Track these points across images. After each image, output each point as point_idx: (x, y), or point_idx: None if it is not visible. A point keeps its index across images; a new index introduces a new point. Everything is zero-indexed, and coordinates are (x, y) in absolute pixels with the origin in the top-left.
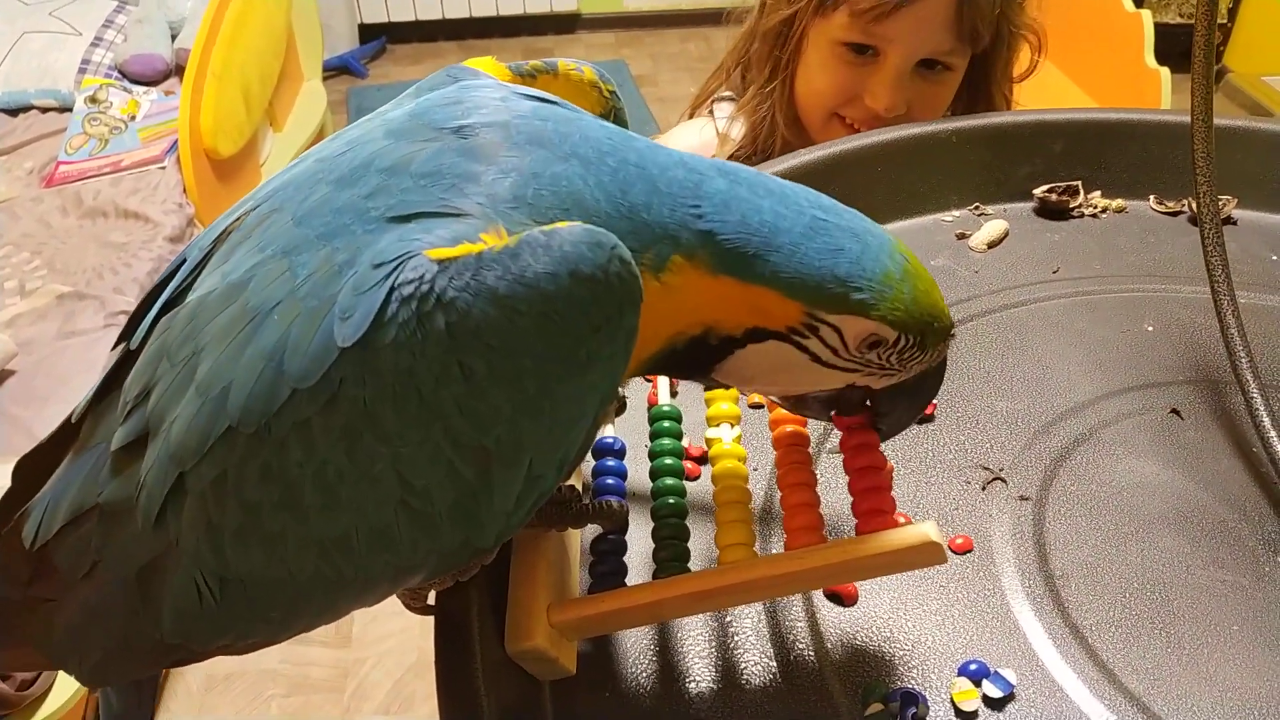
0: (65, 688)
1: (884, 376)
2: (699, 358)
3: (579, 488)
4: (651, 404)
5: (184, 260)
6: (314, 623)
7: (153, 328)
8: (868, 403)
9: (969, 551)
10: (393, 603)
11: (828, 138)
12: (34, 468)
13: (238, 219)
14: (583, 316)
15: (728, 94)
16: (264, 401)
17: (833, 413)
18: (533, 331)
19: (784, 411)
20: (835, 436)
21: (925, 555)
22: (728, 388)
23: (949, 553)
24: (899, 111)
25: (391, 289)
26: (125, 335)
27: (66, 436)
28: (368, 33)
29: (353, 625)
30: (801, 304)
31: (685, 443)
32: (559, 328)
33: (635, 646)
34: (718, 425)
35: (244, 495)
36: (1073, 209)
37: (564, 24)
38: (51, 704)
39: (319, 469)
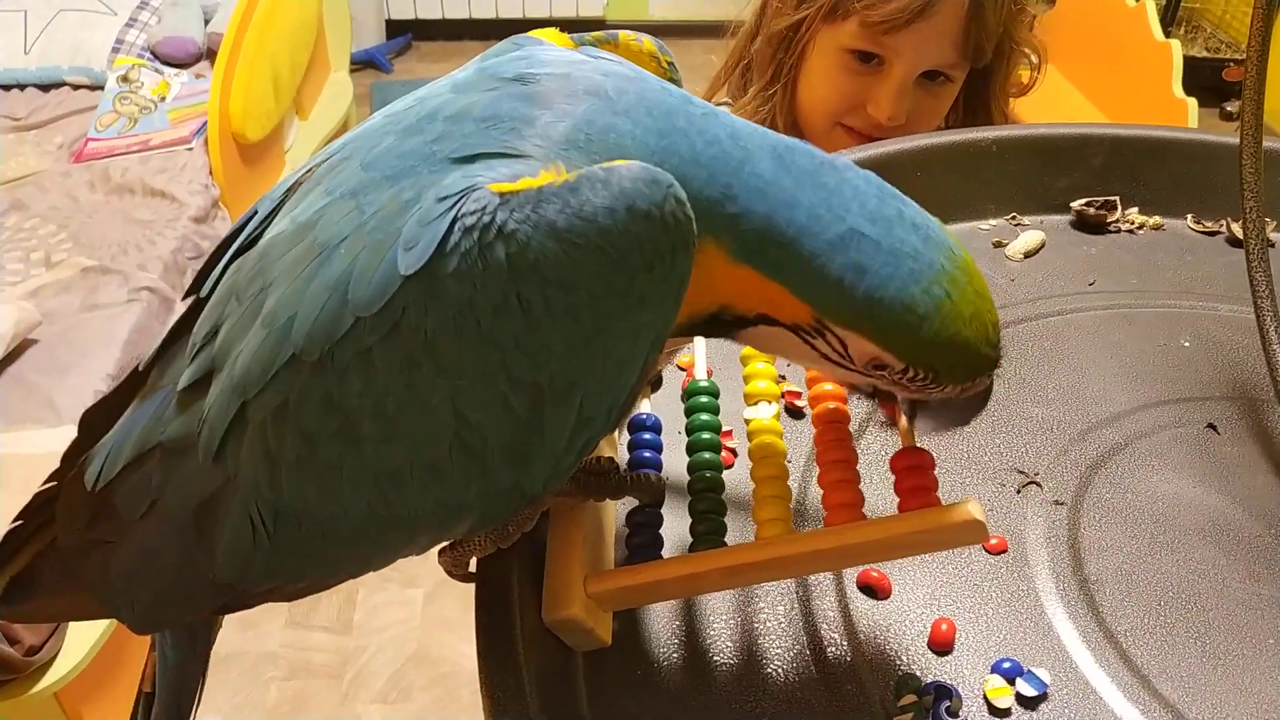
0: (71, 655)
1: (903, 391)
2: (720, 328)
3: (616, 460)
4: (686, 385)
5: (255, 212)
6: (362, 567)
7: (223, 274)
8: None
9: (1003, 552)
10: (395, 592)
11: (830, 144)
12: (100, 418)
13: (309, 170)
14: (637, 253)
15: (725, 100)
16: (328, 329)
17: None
18: (588, 266)
19: (823, 389)
20: (877, 418)
21: (968, 533)
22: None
23: (984, 553)
24: (900, 121)
25: (454, 219)
26: (195, 286)
27: (133, 386)
28: (394, 28)
29: (355, 612)
30: (811, 309)
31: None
32: (614, 263)
33: (667, 627)
34: (755, 404)
35: (303, 424)
36: (1110, 224)
37: (589, 29)
38: (57, 670)
39: (378, 399)
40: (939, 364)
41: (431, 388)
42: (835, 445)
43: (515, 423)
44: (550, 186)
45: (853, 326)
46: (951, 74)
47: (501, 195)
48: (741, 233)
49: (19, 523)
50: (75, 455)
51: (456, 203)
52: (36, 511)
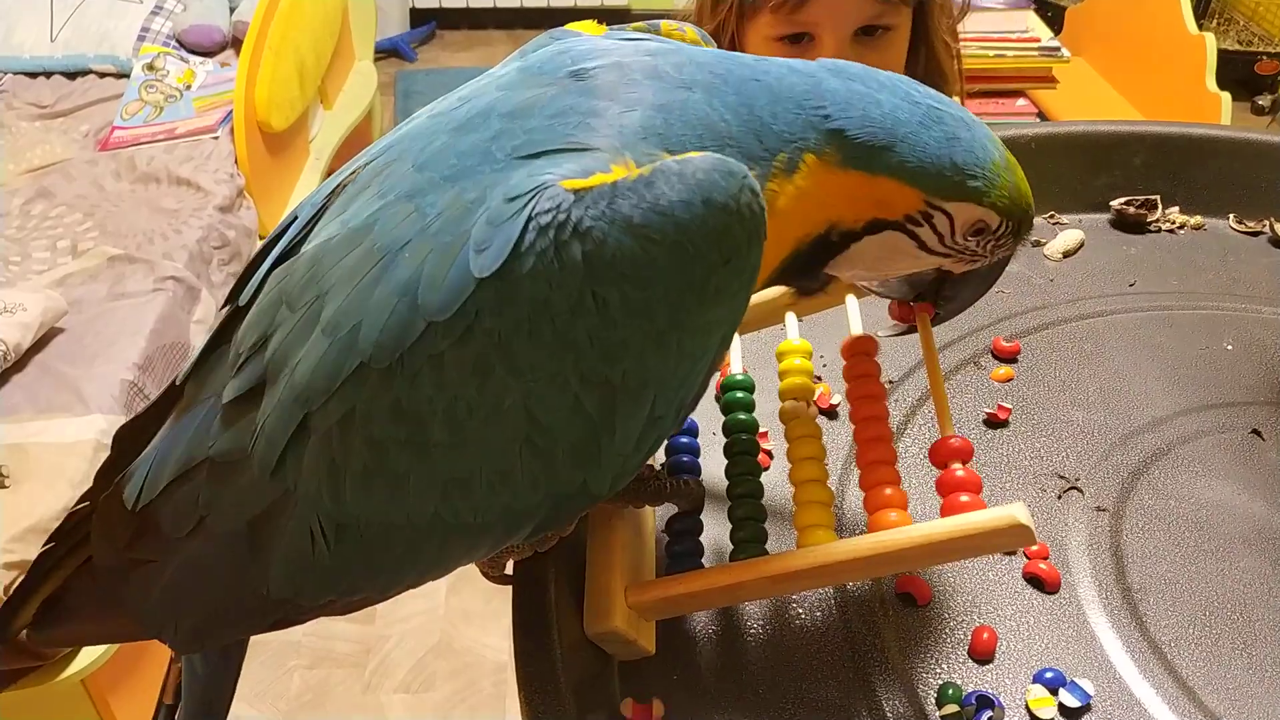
0: (93, 647)
1: (969, 262)
2: (818, 257)
3: (655, 468)
4: (720, 382)
5: (294, 218)
6: (421, 577)
7: (263, 283)
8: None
9: (1045, 559)
10: None
11: None
12: (134, 436)
13: (353, 173)
14: (714, 246)
15: None
16: (398, 336)
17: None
18: (665, 260)
19: (861, 386)
20: (916, 422)
21: (1013, 538)
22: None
23: (1024, 558)
24: None
25: (529, 219)
26: (233, 295)
27: (168, 401)
28: (419, 17)
29: None
30: (922, 192)
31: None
32: (691, 257)
33: (704, 631)
34: (792, 401)
35: (371, 433)
36: (1150, 223)
37: (614, 19)
38: (85, 658)
39: (450, 404)
40: (1021, 214)
41: (504, 390)
42: (875, 445)
43: (586, 423)
44: (624, 181)
45: (961, 196)
46: (888, 22)
47: (575, 192)
48: (846, 139)
49: (51, 544)
50: (110, 473)
51: (529, 201)
52: (69, 533)
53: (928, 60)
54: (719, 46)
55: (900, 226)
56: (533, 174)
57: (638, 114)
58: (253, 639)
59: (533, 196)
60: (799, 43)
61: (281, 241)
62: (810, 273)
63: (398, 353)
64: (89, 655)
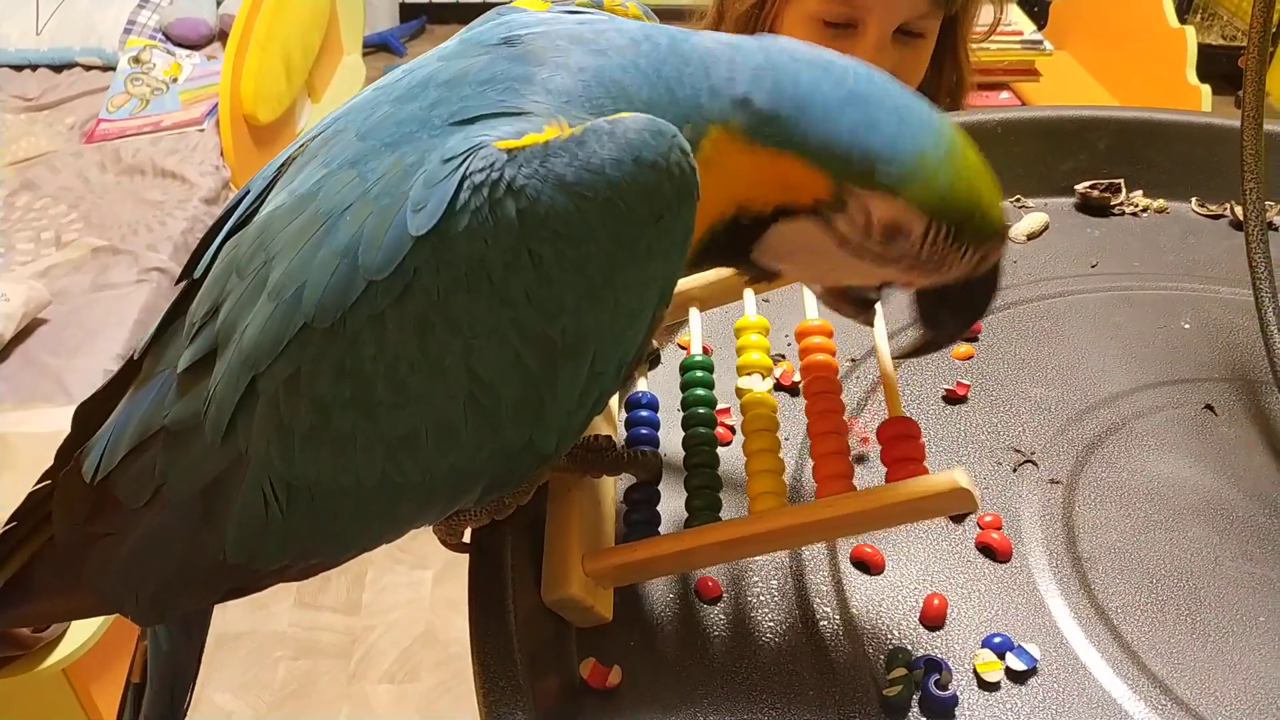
0: (80, 632)
1: (921, 273)
2: (737, 241)
3: (614, 438)
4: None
5: (247, 191)
6: (374, 541)
7: (216, 255)
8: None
9: (997, 530)
10: (404, 573)
11: None
12: (93, 412)
13: (301, 146)
14: (645, 204)
15: None
16: (339, 296)
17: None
18: (597, 218)
19: (815, 359)
20: (876, 397)
21: (954, 501)
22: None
23: (977, 528)
24: None
25: (463, 178)
26: (187, 270)
27: (127, 377)
28: (408, 11)
29: (363, 593)
30: (829, 175)
31: (717, 405)
32: (623, 214)
33: (663, 599)
34: (749, 374)
35: (316, 393)
36: (1113, 206)
37: None
38: (66, 647)
39: (391, 363)
40: (958, 216)
41: (445, 348)
42: (826, 416)
43: (528, 379)
44: (556, 141)
45: (870, 184)
46: (926, 26)
47: (508, 152)
48: (751, 109)
49: (13, 524)
50: (70, 450)
51: (463, 162)
52: (31, 512)
53: (954, 73)
54: (753, 24)
55: (815, 212)
56: (469, 137)
57: (561, 77)
58: (238, 629)
59: (467, 157)
60: (840, 28)
61: (234, 215)
62: (737, 257)
63: (339, 312)
64: (70, 645)
